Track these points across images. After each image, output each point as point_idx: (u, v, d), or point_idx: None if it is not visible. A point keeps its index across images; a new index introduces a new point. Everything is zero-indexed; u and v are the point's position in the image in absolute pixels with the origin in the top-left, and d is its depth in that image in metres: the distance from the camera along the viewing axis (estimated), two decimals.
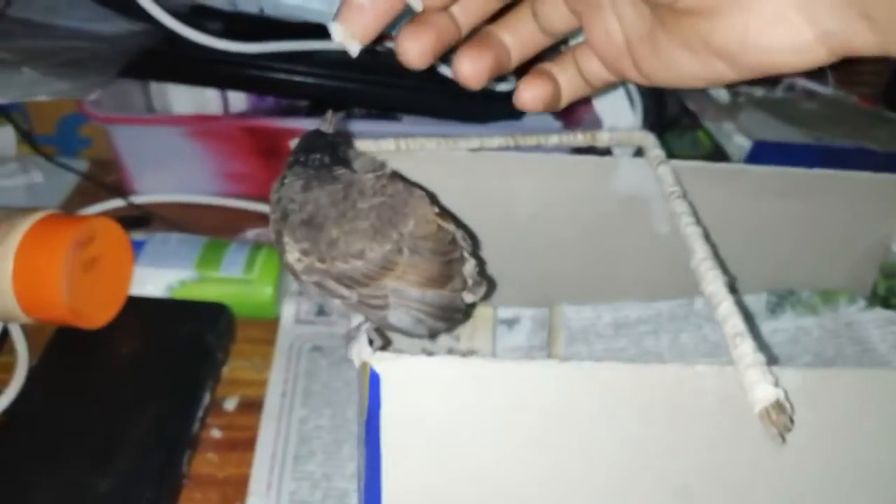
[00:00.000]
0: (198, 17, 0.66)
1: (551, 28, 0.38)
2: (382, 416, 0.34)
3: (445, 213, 0.42)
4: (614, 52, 0.36)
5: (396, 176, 0.42)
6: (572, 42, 0.42)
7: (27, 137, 0.71)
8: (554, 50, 0.41)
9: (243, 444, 0.49)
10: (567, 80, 0.39)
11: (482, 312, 0.59)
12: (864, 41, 0.28)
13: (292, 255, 0.39)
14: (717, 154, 0.86)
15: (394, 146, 0.50)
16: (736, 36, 0.31)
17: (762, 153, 0.80)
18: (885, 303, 0.60)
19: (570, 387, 0.34)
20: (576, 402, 0.34)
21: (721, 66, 0.33)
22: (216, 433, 0.50)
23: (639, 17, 0.34)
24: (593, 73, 0.38)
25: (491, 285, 0.49)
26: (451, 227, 0.42)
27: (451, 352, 0.57)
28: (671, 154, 0.52)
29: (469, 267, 0.42)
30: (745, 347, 0.35)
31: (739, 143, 0.86)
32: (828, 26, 0.29)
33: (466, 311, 0.43)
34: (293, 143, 0.44)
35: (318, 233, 0.39)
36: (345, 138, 0.41)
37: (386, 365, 0.33)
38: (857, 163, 0.81)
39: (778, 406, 0.32)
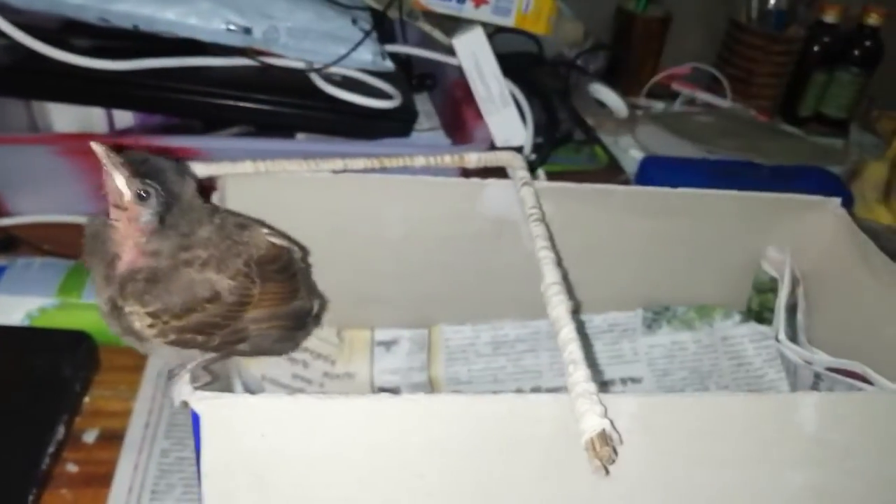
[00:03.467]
0: (68, 33, 0.64)
1: None
2: (203, 457, 0.33)
3: (275, 232, 0.42)
4: None
5: (222, 210, 0.42)
6: None
7: None
8: None
9: (100, 479, 0.47)
10: None
11: (358, 335, 0.58)
12: None
13: (141, 321, 0.37)
14: (614, 168, 0.88)
15: (252, 168, 0.48)
16: None
17: (652, 167, 0.81)
18: (759, 317, 0.62)
19: (399, 422, 0.34)
20: (406, 436, 0.34)
21: None
22: (72, 468, 0.48)
23: None
24: None
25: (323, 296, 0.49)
26: (284, 243, 0.42)
27: (326, 376, 0.56)
28: (549, 173, 0.52)
29: (305, 275, 0.43)
30: (578, 375, 0.35)
31: (635, 156, 0.88)
32: None
33: (316, 316, 0.43)
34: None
35: (167, 288, 0.37)
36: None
37: (206, 404, 0.32)
38: (746, 176, 0.84)
39: (602, 437, 0.32)
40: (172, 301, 0.37)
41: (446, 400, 0.34)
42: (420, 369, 0.58)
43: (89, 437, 0.50)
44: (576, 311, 0.45)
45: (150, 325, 0.37)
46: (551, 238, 0.45)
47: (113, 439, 0.50)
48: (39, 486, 0.45)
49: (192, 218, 0.38)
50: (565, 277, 0.42)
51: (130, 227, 0.37)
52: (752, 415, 0.38)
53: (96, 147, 0.35)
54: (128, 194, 0.36)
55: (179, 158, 0.41)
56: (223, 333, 0.39)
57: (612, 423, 0.33)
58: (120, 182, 0.36)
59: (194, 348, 0.39)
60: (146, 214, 0.36)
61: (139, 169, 0.36)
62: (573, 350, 0.36)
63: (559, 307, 0.39)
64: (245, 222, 0.41)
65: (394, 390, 0.57)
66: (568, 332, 0.37)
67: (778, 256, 0.59)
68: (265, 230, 0.42)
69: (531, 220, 0.46)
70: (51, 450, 0.46)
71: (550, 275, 0.41)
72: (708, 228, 0.58)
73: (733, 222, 0.58)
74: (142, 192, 0.36)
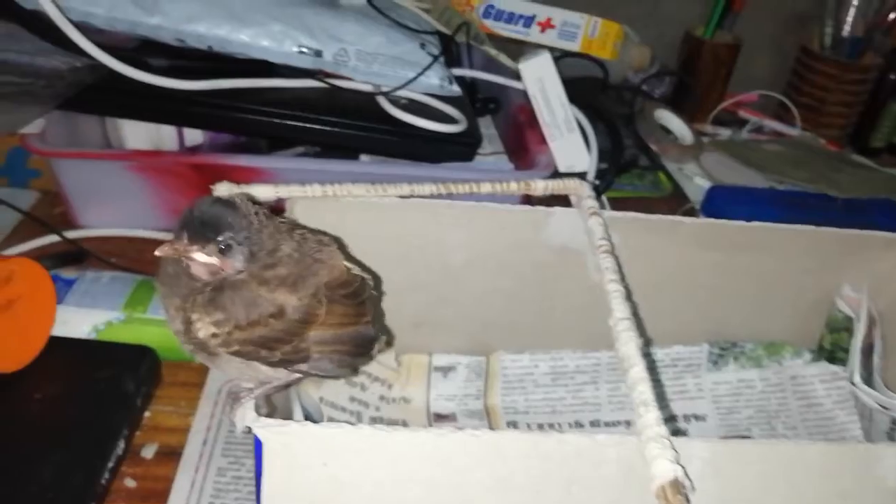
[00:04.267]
0: (145, 53, 0.66)
1: None
2: (265, 483, 0.32)
3: (351, 257, 0.42)
4: None
5: (302, 226, 0.41)
6: None
7: None
8: None
9: (157, 496, 0.48)
10: None
11: (416, 360, 0.57)
12: None
13: (205, 331, 0.37)
14: (678, 196, 0.86)
15: (321, 192, 0.49)
16: None
17: (719, 197, 0.79)
18: (831, 357, 0.59)
19: (462, 457, 0.33)
20: (467, 473, 0.33)
21: None
22: (130, 483, 0.48)
23: None
24: None
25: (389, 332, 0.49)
26: (358, 270, 0.42)
27: (382, 399, 0.56)
28: (612, 199, 0.51)
29: (375, 304, 0.43)
30: (649, 417, 0.34)
31: (699, 184, 0.86)
32: None
33: (375, 344, 0.43)
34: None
35: (232, 299, 0.37)
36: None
37: (269, 431, 0.32)
38: (817, 209, 0.81)
39: (675, 485, 0.31)
40: (237, 313, 0.37)
41: (510, 437, 0.33)
42: (476, 397, 0.57)
43: (148, 452, 0.51)
44: (646, 346, 0.43)
45: (214, 335, 0.37)
46: (620, 270, 0.43)
47: (171, 455, 0.50)
48: (98, 500, 0.46)
49: (269, 234, 0.38)
50: (634, 313, 0.40)
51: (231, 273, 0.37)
52: (831, 464, 0.36)
53: (160, 253, 0.36)
54: (215, 261, 0.37)
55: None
56: (285, 350, 0.39)
57: (684, 470, 0.31)
58: (202, 258, 0.37)
59: (256, 361, 0.39)
60: (238, 260, 0.37)
61: (203, 232, 0.36)
62: (644, 391, 0.35)
63: (629, 344, 0.38)
64: (325, 240, 0.41)
65: (449, 417, 0.56)
66: (638, 371, 0.36)
67: (854, 295, 0.57)
68: (341, 254, 0.42)
69: (600, 252, 0.45)
70: (110, 464, 0.47)
71: (620, 310, 0.40)
72: (780, 263, 0.56)
73: (807, 258, 0.56)
74: (222, 248, 0.37)
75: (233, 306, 0.37)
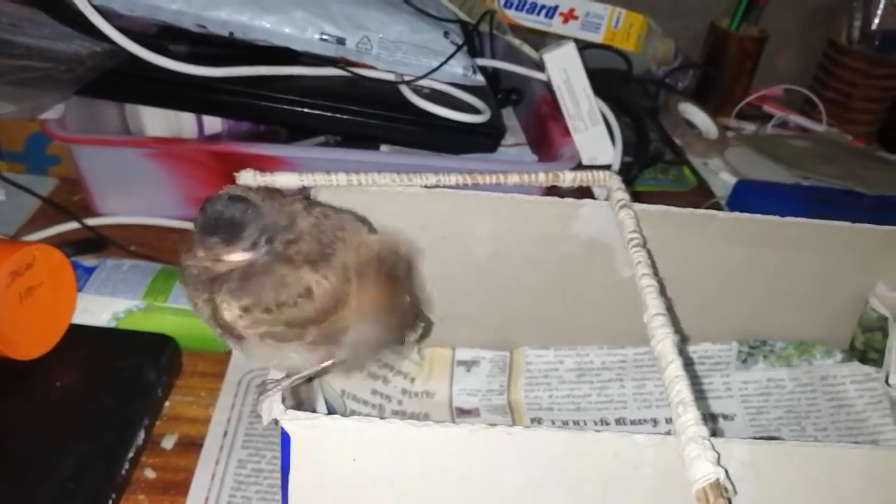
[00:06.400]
0: (165, 39, 0.65)
1: None
2: (292, 478, 0.32)
3: (380, 232, 0.41)
4: None
5: (322, 205, 0.40)
6: None
7: None
8: None
9: (177, 487, 0.47)
10: None
11: (439, 353, 0.56)
12: None
13: (231, 313, 0.36)
14: (703, 190, 0.84)
15: (345, 181, 0.48)
16: None
17: (746, 192, 0.78)
18: (863, 357, 0.58)
19: (495, 455, 0.32)
20: (499, 471, 0.32)
21: None
22: (150, 473, 0.48)
23: None
24: None
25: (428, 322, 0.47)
26: (391, 244, 0.40)
27: (405, 393, 0.55)
28: (636, 193, 0.50)
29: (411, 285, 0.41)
30: (688, 417, 0.33)
31: (725, 179, 0.85)
32: None
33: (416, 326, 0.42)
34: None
35: (262, 281, 0.36)
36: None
37: (297, 425, 0.31)
38: (845, 205, 0.80)
39: (716, 488, 0.30)
40: (265, 296, 0.36)
41: (545, 435, 0.32)
42: (499, 392, 0.56)
43: (168, 442, 0.50)
44: (682, 343, 0.42)
45: (240, 317, 0.36)
46: (654, 265, 0.42)
47: (191, 446, 0.50)
48: (118, 491, 0.45)
49: (277, 211, 0.37)
50: (669, 308, 0.39)
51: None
52: (876, 469, 0.35)
53: (195, 262, 0.36)
54: (249, 255, 0.36)
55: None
56: (316, 331, 0.38)
57: (726, 472, 0.30)
58: (237, 257, 0.36)
59: (288, 342, 0.37)
60: (264, 248, 0.36)
61: (232, 232, 0.35)
62: (682, 389, 0.34)
63: (665, 341, 0.36)
64: (342, 215, 0.40)
65: (472, 412, 0.55)
66: (675, 368, 0.35)
67: (889, 294, 0.56)
68: (366, 228, 0.40)
69: (631, 246, 0.44)
70: (131, 454, 0.46)
71: (654, 305, 0.39)
72: (813, 260, 0.55)
73: (841, 255, 0.55)
74: (253, 242, 0.36)
75: (262, 290, 0.36)
